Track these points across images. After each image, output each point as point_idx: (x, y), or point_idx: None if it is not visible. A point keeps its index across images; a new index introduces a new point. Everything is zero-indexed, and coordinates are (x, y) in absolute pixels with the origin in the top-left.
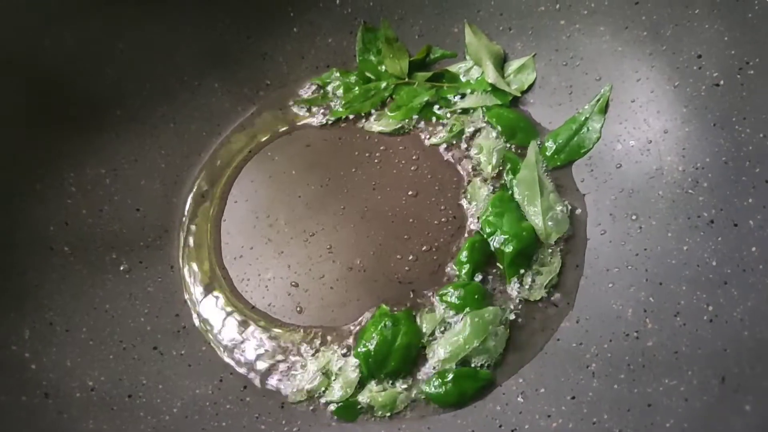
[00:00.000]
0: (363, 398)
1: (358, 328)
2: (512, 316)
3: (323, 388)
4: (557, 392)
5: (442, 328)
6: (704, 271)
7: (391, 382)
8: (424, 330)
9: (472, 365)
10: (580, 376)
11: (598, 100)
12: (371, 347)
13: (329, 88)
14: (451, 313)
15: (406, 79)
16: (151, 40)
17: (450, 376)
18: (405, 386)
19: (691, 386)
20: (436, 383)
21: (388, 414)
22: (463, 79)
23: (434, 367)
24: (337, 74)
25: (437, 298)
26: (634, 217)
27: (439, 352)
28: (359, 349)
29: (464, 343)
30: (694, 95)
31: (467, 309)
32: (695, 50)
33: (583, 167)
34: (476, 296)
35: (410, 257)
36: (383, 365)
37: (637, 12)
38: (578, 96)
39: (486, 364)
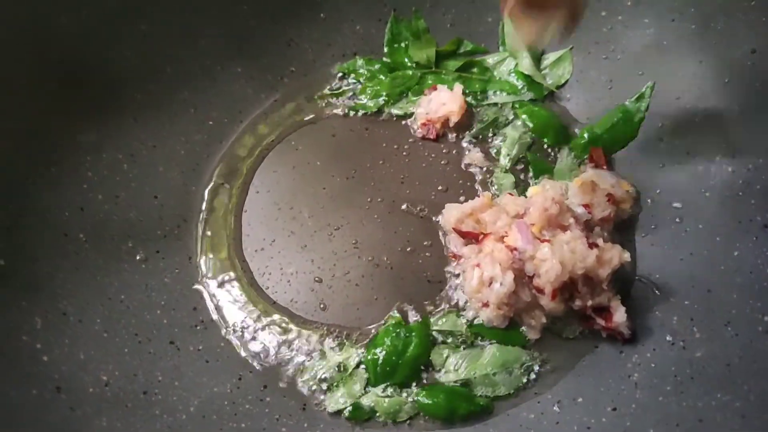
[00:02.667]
0: (367, 401)
1: (384, 327)
2: (536, 367)
3: (335, 383)
4: (597, 402)
5: (461, 340)
6: (757, 279)
7: (398, 389)
8: (442, 328)
9: (473, 390)
10: (622, 386)
11: (641, 96)
12: (381, 355)
13: (353, 78)
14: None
15: (433, 69)
16: (174, 22)
17: (445, 392)
18: (406, 394)
19: (747, 402)
20: (429, 393)
21: (391, 421)
22: (494, 71)
23: (437, 375)
24: (362, 62)
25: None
26: (678, 220)
27: (448, 363)
28: (369, 356)
29: (475, 368)
30: (747, 93)
31: (494, 340)
32: (749, 45)
33: (625, 165)
34: (512, 336)
35: (440, 255)
36: (390, 375)
37: (685, 3)
38: (618, 92)
39: (486, 395)
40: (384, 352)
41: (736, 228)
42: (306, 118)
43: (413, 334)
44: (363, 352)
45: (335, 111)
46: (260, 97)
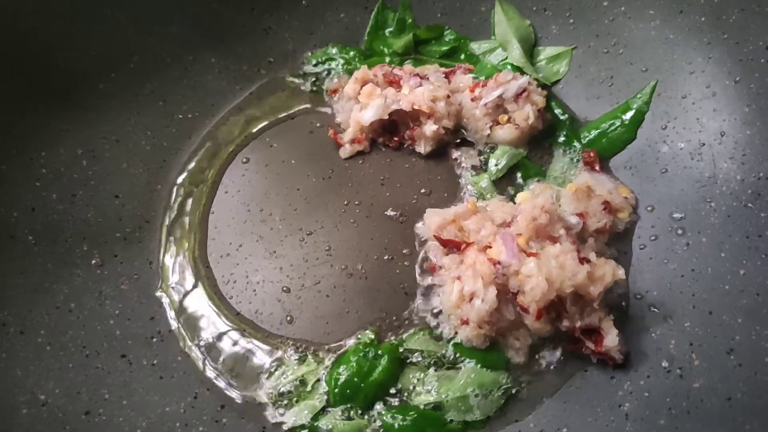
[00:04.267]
0: (324, 424)
1: (354, 345)
2: (517, 390)
3: (295, 398)
4: None
5: (435, 359)
6: (765, 302)
7: (359, 412)
8: (415, 346)
9: (445, 414)
10: (611, 417)
11: (643, 94)
12: (343, 376)
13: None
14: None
15: (413, 55)
16: (142, 6)
17: (413, 414)
18: (369, 416)
19: None
20: (396, 415)
21: None
22: (482, 59)
23: (407, 396)
24: (335, 50)
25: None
26: (680, 231)
27: (419, 383)
28: (331, 375)
29: (449, 390)
30: (760, 93)
31: (475, 360)
32: (764, 40)
33: (623, 170)
34: (492, 357)
35: (420, 265)
36: (351, 398)
37: None
38: (620, 88)
39: (458, 420)
40: (347, 373)
41: (744, 243)
42: (283, 114)
43: (383, 356)
44: (327, 369)
45: (315, 106)
46: (235, 90)
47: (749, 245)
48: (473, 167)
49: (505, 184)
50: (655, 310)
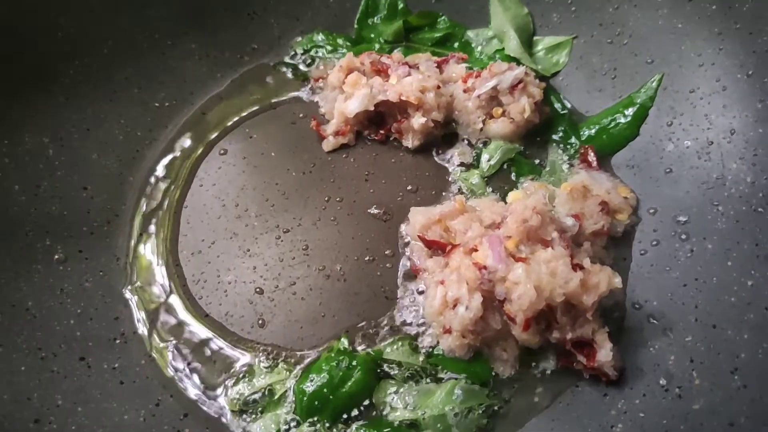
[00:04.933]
0: None
1: (327, 353)
2: (497, 407)
3: (260, 408)
4: None
5: (413, 370)
6: None
7: (327, 426)
8: (393, 356)
9: None
10: None
11: (648, 88)
12: (312, 386)
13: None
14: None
15: (404, 43)
16: None
17: (387, 431)
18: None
19: None
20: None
21: None
22: (478, 48)
23: (381, 411)
24: (321, 36)
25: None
26: (684, 237)
27: (395, 397)
28: (300, 385)
29: (426, 406)
30: None
31: (457, 372)
32: None
33: (624, 169)
34: (476, 369)
35: (405, 267)
36: (319, 410)
37: None
38: (623, 81)
39: None
40: (317, 383)
41: (753, 252)
42: (265, 103)
43: (357, 367)
44: (297, 378)
45: (300, 95)
46: (216, 77)
47: (759, 253)
48: (463, 164)
49: (499, 181)
50: (654, 321)
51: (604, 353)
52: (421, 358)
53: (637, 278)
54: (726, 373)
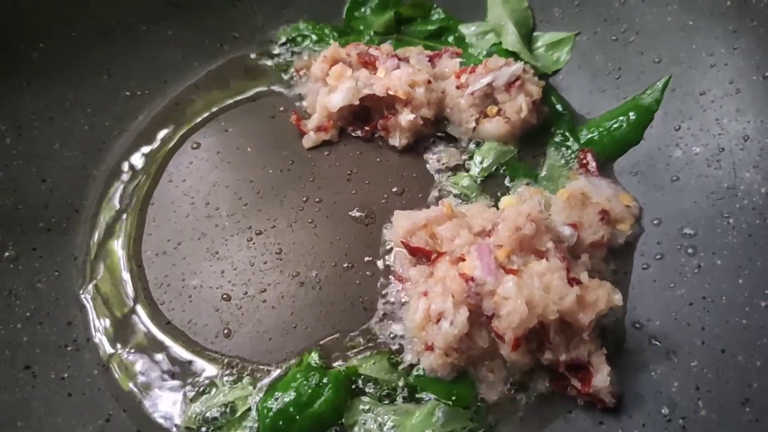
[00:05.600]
0: None
1: (296, 368)
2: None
3: (220, 426)
4: None
5: (390, 390)
6: None
7: None
8: (369, 372)
9: None
10: None
11: (654, 90)
12: (277, 405)
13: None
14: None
15: (395, 35)
16: None
17: None
18: None
19: None
20: None
21: None
22: (473, 42)
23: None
24: (306, 26)
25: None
26: (690, 251)
27: (369, 419)
28: (266, 402)
29: (403, 430)
30: None
31: (438, 394)
32: None
33: (627, 176)
34: (460, 391)
35: (384, 276)
36: (285, 430)
37: None
38: (628, 82)
39: None
40: (283, 401)
41: (767, 269)
42: (243, 95)
43: (328, 384)
44: (262, 394)
45: (281, 88)
46: (192, 66)
47: None
48: (454, 166)
49: (492, 186)
50: (657, 343)
51: (601, 378)
52: (399, 377)
53: (639, 295)
54: (736, 404)
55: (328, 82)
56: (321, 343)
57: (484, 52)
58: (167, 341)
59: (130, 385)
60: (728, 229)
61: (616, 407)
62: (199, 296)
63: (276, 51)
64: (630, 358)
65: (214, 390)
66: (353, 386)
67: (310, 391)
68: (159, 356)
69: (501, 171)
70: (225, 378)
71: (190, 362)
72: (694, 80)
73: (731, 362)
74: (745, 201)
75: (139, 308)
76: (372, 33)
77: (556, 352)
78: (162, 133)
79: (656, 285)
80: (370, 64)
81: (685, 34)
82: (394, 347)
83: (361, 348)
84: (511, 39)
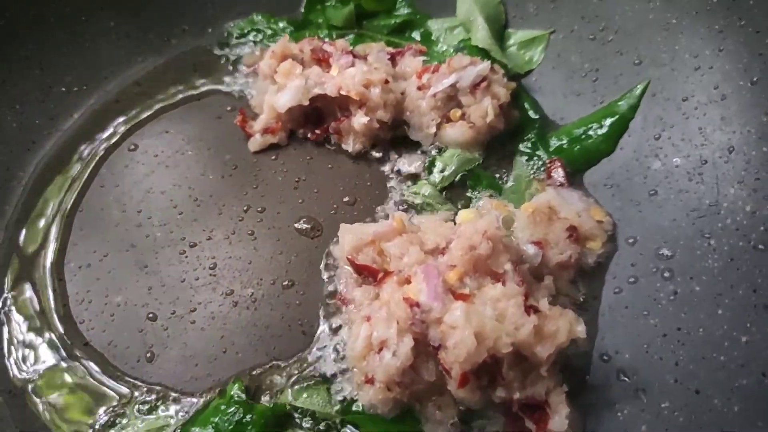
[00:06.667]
0: None
1: (218, 400)
2: None
3: None
4: None
5: (326, 426)
6: None
7: None
8: (302, 404)
9: None
10: None
11: (631, 95)
12: None
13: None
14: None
15: (356, 30)
16: None
17: None
18: None
19: None
20: None
21: None
22: (440, 38)
23: None
24: (261, 18)
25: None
26: (667, 275)
27: None
28: None
29: None
30: None
31: None
32: None
33: (601, 188)
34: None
35: (330, 297)
36: None
37: None
38: (605, 85)
39: None
40: None
41: (750, 299)
42: (189, 93)
43: (253, 421)
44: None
45: (230, 87)
46: (136, 61)
47: (756, 302)
48: (413, 174)
49: (455, 197)
50: (625, 379)
51: (559, 420)
52: (337, 411)
53: (608, 323)
54: None
55: (277, 80)
56: (252, 371)
57: (451, 50)
58: (82, 364)
59: (30, 412)
60: (708, 252)
61: None
62: (123, 314)
63: (227, 46)
64: (595, 394)
65: (124, 421)
66: (285, 421)
67: (230, 428)
68: (68, 381)
69: (463, 181)
70: (138, 408)
71: (104, 389)
72: (677, 84)
73: (705, 405)
74: (728, 220)
75: (55, 326)
76: (330, 27)
77: (510, 390)
78: (98, 134)
79: (628, 312)
80: (323, 61)
81: (668, 33)
82: (335, 378)
83: (297, 377)
84: (481, 35)
